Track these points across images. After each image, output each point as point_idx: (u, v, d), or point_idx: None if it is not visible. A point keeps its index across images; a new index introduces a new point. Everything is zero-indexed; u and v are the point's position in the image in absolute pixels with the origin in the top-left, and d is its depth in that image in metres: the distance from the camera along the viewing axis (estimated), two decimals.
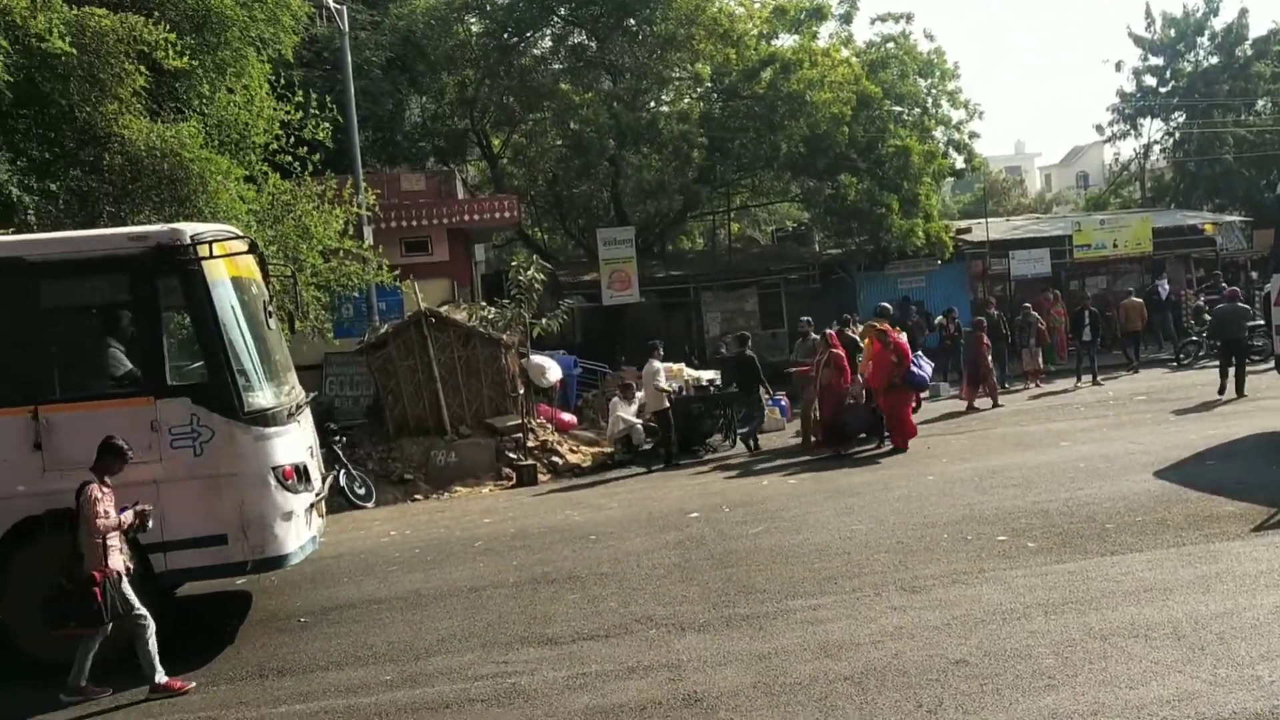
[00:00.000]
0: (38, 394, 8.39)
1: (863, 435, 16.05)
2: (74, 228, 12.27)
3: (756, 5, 28.91)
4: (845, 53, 28.66)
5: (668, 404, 16.77)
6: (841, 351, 16.07)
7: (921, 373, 16.05)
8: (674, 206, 29.03)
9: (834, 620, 7.96)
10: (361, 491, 15.79)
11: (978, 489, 12.13)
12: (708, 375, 19.21)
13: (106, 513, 7.86)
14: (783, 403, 19.80)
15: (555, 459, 17.28)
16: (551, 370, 19.00)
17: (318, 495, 9.66)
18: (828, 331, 16.73)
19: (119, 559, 7.93)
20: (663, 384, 16.75)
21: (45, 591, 8.01)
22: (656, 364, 16.94)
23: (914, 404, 16.56)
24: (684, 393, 18.21)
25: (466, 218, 23.12)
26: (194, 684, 8.09)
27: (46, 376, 8.51)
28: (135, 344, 8.75)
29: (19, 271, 8.43)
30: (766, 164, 27.76)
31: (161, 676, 7.98)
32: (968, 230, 29.95)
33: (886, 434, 15.77)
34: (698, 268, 29.04)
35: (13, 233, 11.22)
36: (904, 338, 16.72)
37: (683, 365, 20.45)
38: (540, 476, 16.59)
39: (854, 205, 26.07)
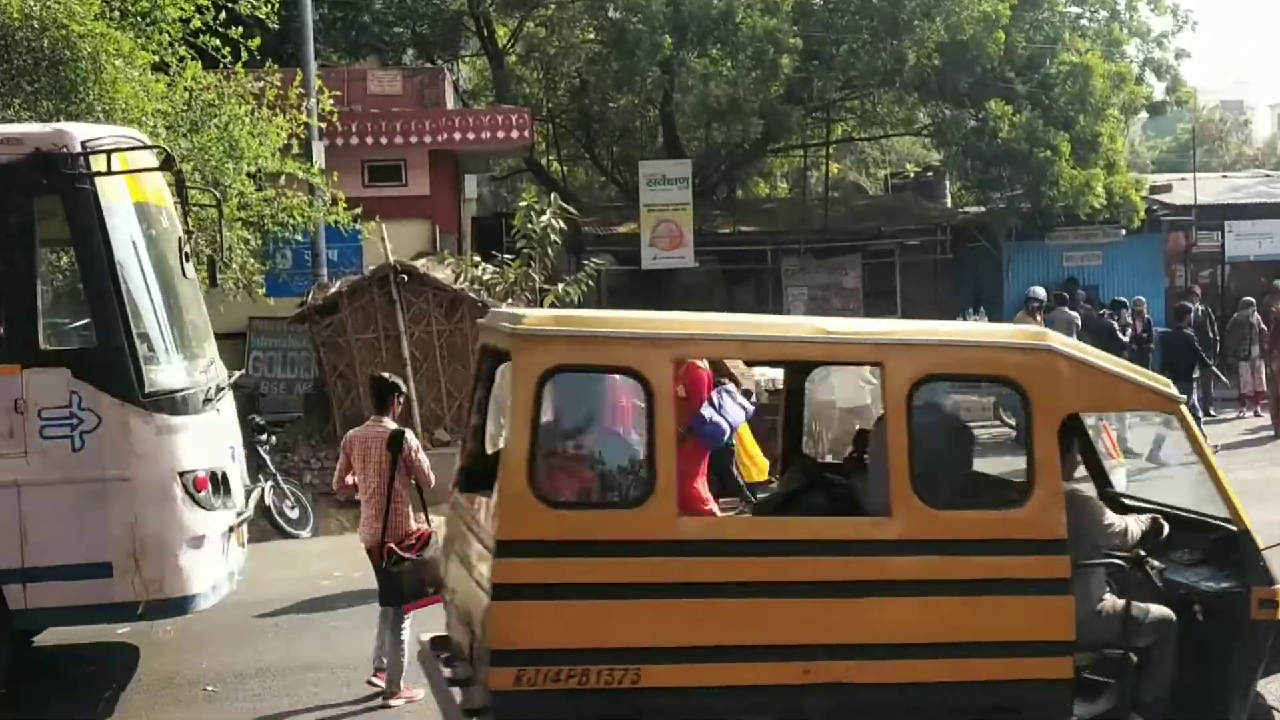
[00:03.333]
0: None
1: None
2: None
3: None
4: None
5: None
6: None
7: (715, 420, 13.86)
8: (750, 135, 28.84)
9: None
10: (295, 514, 15.79)
11: None
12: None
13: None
14: None
15: None
16: None
17: (240, 516, 9.81)
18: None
19: None
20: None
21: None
22: None
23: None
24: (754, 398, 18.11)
25: (457, 136, 22.97)
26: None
27: None
28: None
29: None
30: (884, 81, 27.47)
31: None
32: (1166, 189, 29.63)
33: None
34: (779, 223, 28.85)
35: None
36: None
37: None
38: None
39: (1006, 145, 25.74)
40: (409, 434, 9.40)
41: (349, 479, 9.48)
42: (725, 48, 26.55)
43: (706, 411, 13.56)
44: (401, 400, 9.97)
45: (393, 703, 9.13)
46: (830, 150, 32.13)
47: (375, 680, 9.40)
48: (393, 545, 9.13)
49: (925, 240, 28.48)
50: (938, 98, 28.03)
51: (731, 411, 13.75)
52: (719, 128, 29.21)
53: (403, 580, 9.13)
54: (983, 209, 28.34)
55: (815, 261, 28.16)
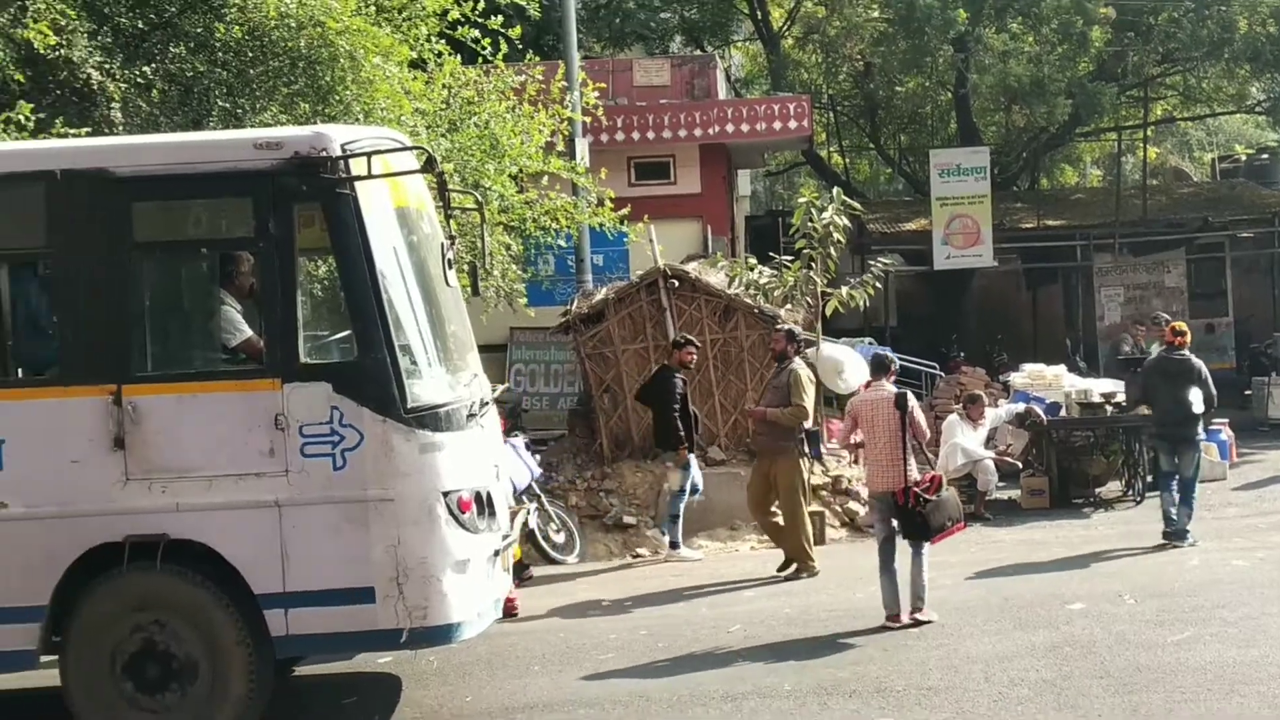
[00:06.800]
0: (122, 367, 8.93)
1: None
2: (173, 129, 13.09)
3: None
4: None
5: None
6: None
7: None
8: (1056, 117, 28.43)
9: None
10: (560, 538, 16.14)
11: None
12: (1101, 387, 18.98)
13: None
14: (1223, 437, 19.18)
15: (854, 505, 17.19)
16: (851, 368, 18.79)
17: (505, 540, 9.99)
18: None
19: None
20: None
21: None
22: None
23: None
24: (1062, 412, 17.94)
25: (730, 129, 23.22)
26: None
27: (135, 342, 9.05)
28: (257, 301, 9.26)
29: (104, 190, 8.96)
30: (1210, 52, 26.82)
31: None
32: None
33: None
34: (1090, 216, 28.37)
35: (89, 134, 12.07)
36: None
37: (1060, 370, 20.02)
38: (829, 530, 16.55)
39: None
40: (910, 395, 11.97)
41: (854, 437, 12.58)
42: (1027, 21, 26.24)
43: None
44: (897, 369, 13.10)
45: (920, 617, 11.56)
46: (1148, 132, 31.38)
47: (918, 616, 11.63)
48: (916, 490, 11.50)
49: (1260, 231, 27.59)
50: (1274, 69, 27.13)
51: None
52: (1020, 110, 28.89)
53: (928, 518, 11.53)
54: None
55: (1132, 258, 27.62)
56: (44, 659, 9.16)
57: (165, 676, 8.97)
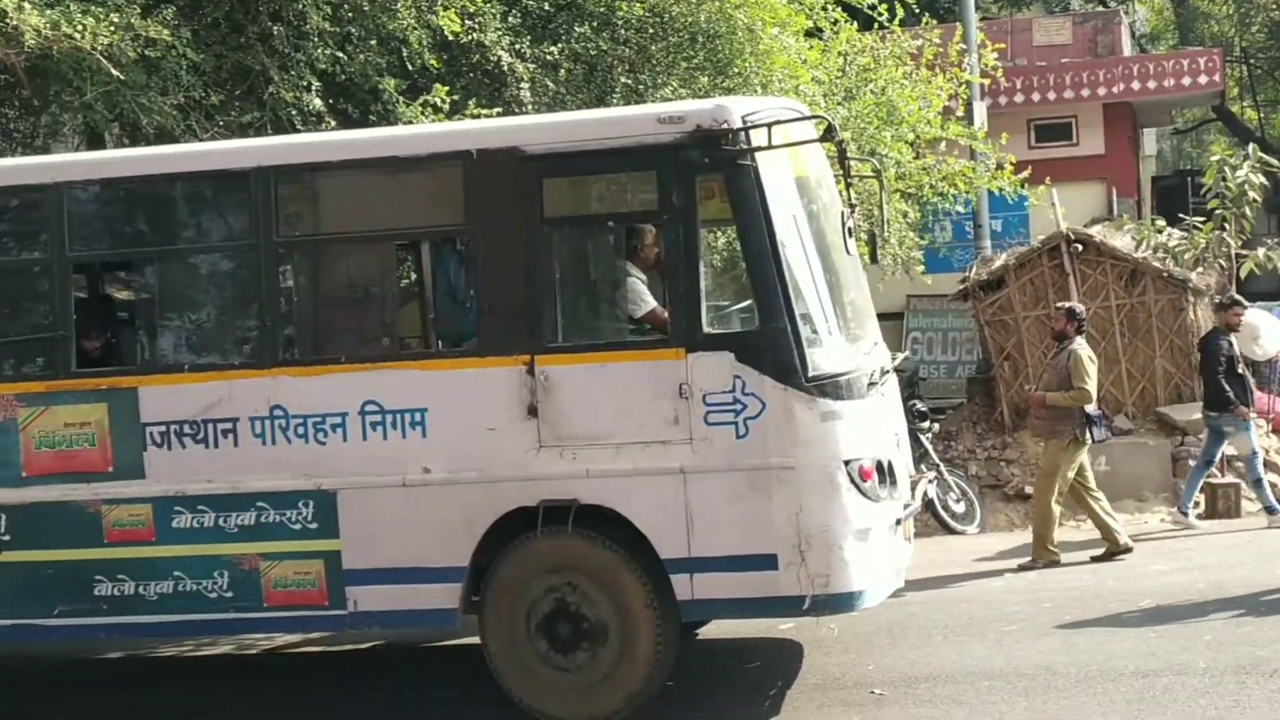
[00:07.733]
0: (534, 338, 9.24)
1: None
2: (578, 106, 13.56)
3: None
4: None
5: None
6: None
7: None
8: None
9: None
10: (960, 508, 15.99)
11: None
12: None
13: None
14: None
15: (1273, 477, 16.55)
16: (1269, 334, 18.12)
17: (906, 509, 9.90)
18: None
19: None
20: None
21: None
22: None
23: None
24: None
25: (1135, 86, 22.76)
26: None
27: (547, 314, 9.33)
28: (660, 272, 9.51)
29: (515, 168, 9.27)
30: None
31: None
32: None
33: None
34: None
35: (500, 114, 12.61)
36: None
37: None
38: (1246, 504, 16.07)
39: None
40: None
41: None
42: None
43: None
44: None
45: None
46: None
47: None
48: None
49: None
50: None
51: None
52: None
53: None
54: None
55: None
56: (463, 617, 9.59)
57: (577, 637, 9.26)
